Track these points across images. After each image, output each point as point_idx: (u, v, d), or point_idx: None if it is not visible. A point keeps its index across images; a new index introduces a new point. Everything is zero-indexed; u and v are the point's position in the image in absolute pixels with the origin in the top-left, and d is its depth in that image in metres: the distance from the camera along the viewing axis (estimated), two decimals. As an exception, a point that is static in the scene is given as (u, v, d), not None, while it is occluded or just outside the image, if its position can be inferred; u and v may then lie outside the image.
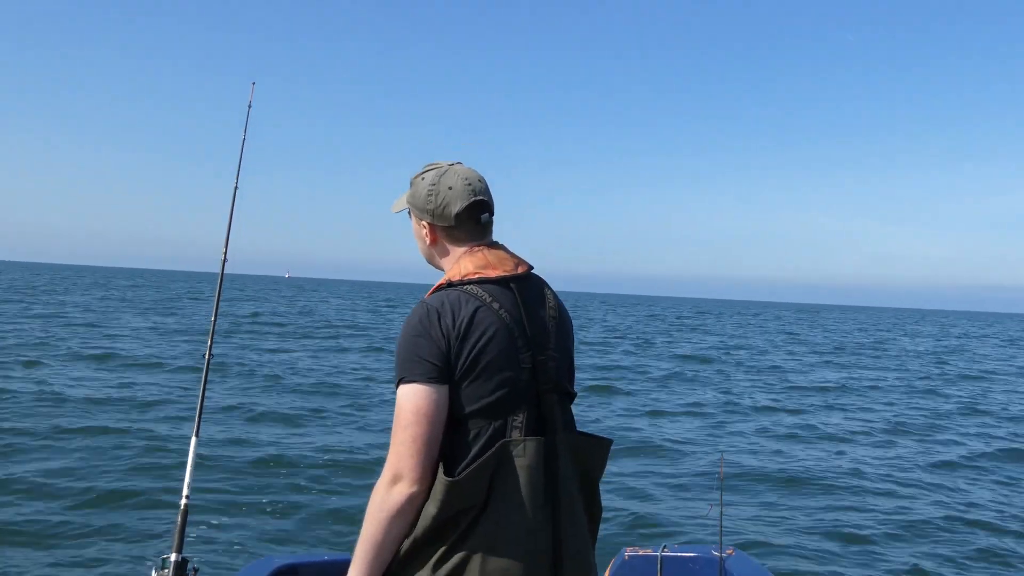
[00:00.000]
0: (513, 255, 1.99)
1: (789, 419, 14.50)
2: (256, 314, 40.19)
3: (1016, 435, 13.97)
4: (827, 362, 29.25)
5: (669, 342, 36.93)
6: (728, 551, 3.44)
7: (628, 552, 3.61)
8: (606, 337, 38.49)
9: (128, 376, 15.83)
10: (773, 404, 16.62)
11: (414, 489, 1.75)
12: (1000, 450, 12.18)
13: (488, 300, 1.86)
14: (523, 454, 1.80)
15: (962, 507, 8.37)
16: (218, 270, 2.99)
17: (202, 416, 2.81)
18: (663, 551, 3.53)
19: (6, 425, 10.10)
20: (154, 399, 12.92)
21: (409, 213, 2.06)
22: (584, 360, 24.83)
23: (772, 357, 30.33)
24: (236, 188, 3.05)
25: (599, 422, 13.33)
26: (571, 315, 2.08)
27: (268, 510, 7.13)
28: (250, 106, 3.14)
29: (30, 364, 16.22)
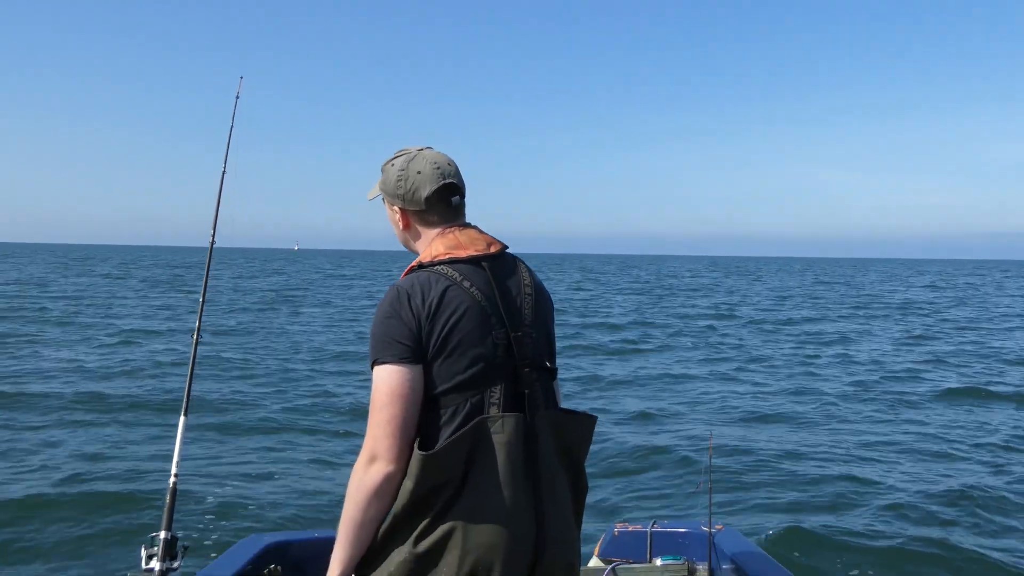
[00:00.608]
0: (486, 235, 2.01)
1: (786, 377, 14.60)
2: (275, 290, 40.25)
3: (994, 378, 14.48)
4: (829, 316, 29.29)
5: (677, 301, 37.08)
6: (718, 527, 3.44)
7: (618, 528, 3.63)
8: (614, 298, 38.58)
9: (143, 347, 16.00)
10: (770, 355, 16.81)
11: (391, 468, 1.79)
12: (977, 388, 13.01)
13: (458, 279, 1.88)
14: (501, 430, 1.82)
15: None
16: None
17: (191, 394, 2.85)
18: (653, 527, 3.54)
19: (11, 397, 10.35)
20: (156, 371, 13.08)
21: (383, 200, 2.09)
22: (589, 320, 25.05)
23: (776, 313, 30.49)
24: (224, 172, 3.17)
25: (600, 379, 13.46)
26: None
27: (259, 487, 7.07)
28: (238, 97, 3.29)
29: (53, 343, 16.62)
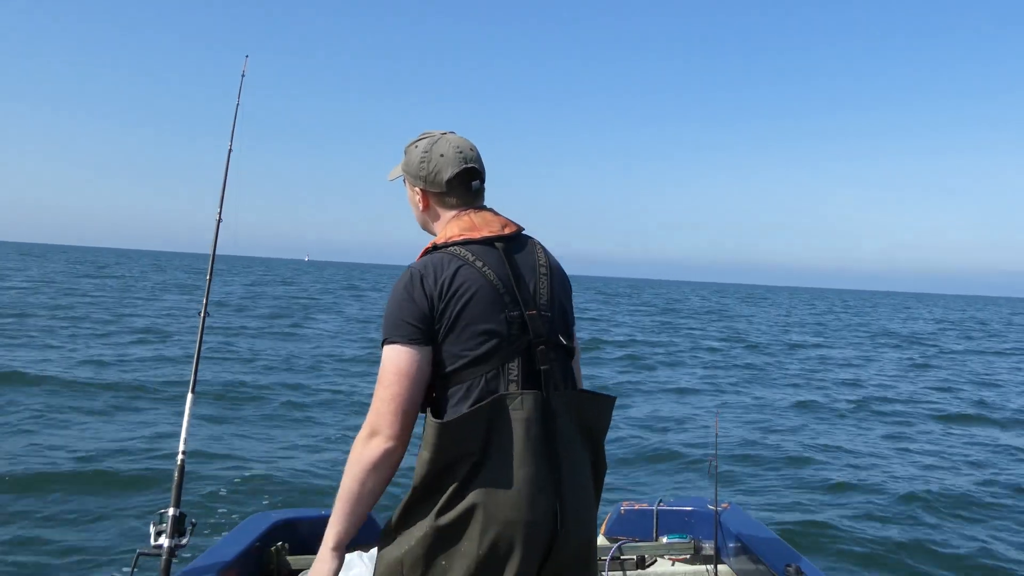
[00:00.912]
0: (501, 217, 2.03)
1: (793, 395, 14.61)
2: (287, 297, 40.86)
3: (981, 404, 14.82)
4: (836, 343, 29.28)
5: (685, 323, 37.25)
6: (724, 505, 3.42)
7: (624, 506, 3.61)
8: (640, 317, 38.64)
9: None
10: (777, 374, 16.77)
11: (390, 444, 1.81)
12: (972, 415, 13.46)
13: (471, 259, 1.90)
14: (520, 407, 1.83)
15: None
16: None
17: (198, 372, 2.86)
18: (659, 505, 3.53)
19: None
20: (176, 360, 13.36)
21: (404, 181, 2.11)
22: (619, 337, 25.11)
23: (783, 337, 30.55)
24: (230, 151, 3.17)
25: (606, 389, 13.46)
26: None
27: (266, 468, 7.29)
28: (243, 75, 3.30)
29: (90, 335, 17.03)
